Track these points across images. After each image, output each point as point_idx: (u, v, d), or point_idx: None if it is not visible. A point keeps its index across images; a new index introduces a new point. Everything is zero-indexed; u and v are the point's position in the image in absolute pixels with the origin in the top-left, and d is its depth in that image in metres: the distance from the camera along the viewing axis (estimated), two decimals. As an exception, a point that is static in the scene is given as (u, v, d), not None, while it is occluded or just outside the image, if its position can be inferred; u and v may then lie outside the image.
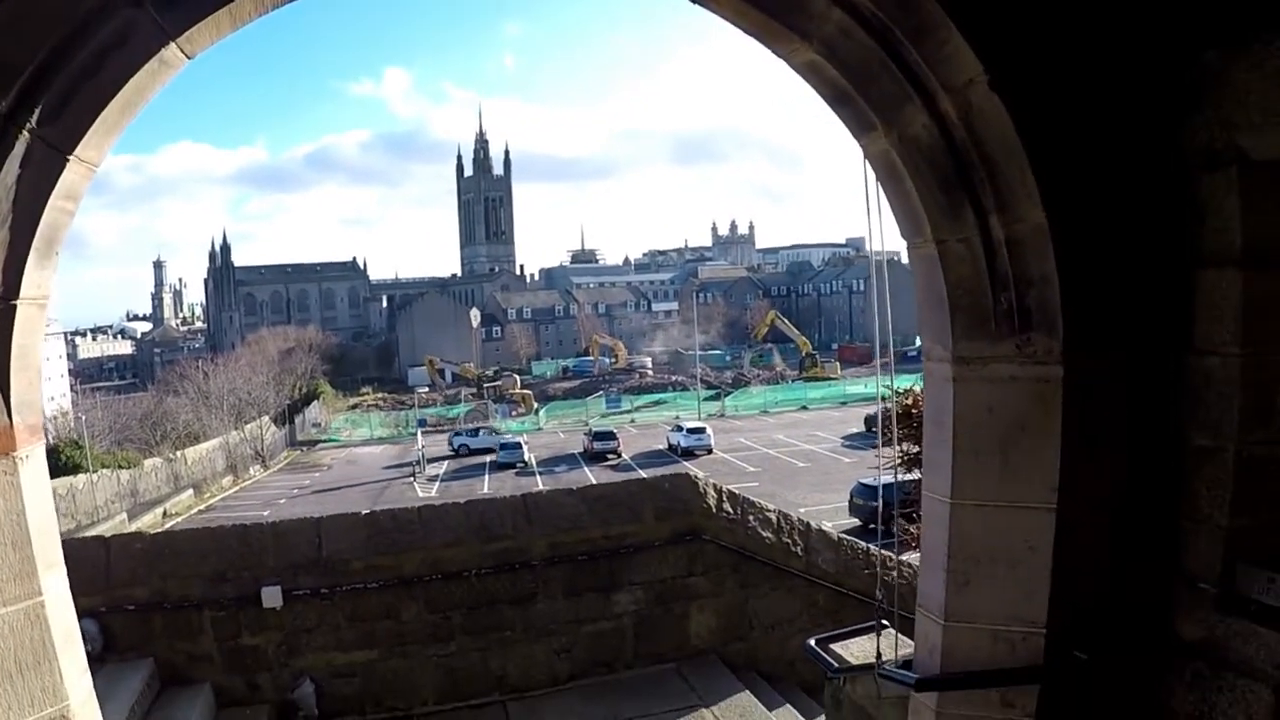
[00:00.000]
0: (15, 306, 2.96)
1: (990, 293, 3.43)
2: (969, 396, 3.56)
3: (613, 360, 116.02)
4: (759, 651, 9.50)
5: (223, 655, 8.25)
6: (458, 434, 68.09)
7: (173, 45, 3.01)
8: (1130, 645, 3.61)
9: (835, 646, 6.00)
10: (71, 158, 2.98)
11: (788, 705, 8.56)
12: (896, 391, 14.03)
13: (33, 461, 3.10)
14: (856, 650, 5.74)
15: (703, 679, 8.88)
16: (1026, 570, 3.52)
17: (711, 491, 9.58)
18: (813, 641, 5.95)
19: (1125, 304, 3.39)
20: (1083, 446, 3.43)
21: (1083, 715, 3.61)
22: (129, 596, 7.99)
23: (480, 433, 67.93)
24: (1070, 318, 3.31)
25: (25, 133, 2.80)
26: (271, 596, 8.17)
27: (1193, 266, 3.37)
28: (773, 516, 9.74)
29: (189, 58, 3.12)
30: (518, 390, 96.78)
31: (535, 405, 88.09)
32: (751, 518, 9.61)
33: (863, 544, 10.09)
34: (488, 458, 59.50)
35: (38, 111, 2.81)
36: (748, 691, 8.55)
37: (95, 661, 3.52)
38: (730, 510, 9.54)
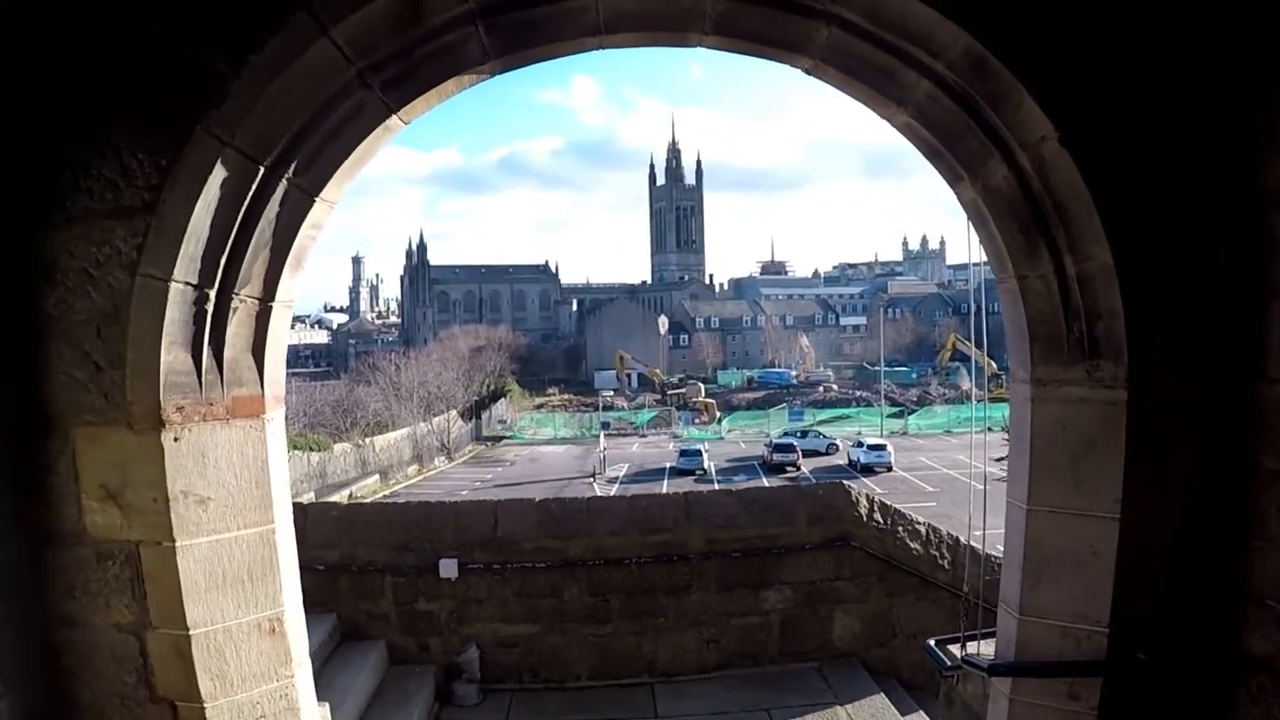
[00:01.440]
0: (271, 308, 3.89)
1: (1064, 323, 3.80)
2: (1045, 414, 3.93)
3: (796, 373, 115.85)
4: (900, 659, 9.74)
5: (399, 617, 9.15)
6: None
7: (394, 116, 3.88)
8: (1194, 653, 3.82)
9: (954, 648, 6.33)
10: (317, 199, 3.88)
11: (920, 713, 8.79)
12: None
13: (274, 423, 4.01)
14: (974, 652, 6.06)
15: (841, 679, 9.22)
16: (1092, 573, 3.83)
17: (864, 501, 9.90)
18: (932, 641, 6.29)
19: (1193, 335, 3.67)
20: (1147, 464, 3.72)
21: (1144, 713, 3.89)
22: (320, 558, 8.89)
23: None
24: (1135, 347, 3.64)
25: (284, 181, 3.69)
26: (448, 568, 9.01)
27: (1266, 300, 3.58)
28: (922, 529, 9.98)
29: (405, 124, 3.98)
30: (701, 398, 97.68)
31: (719, 414, 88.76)
32: (900, 528, 9.88)
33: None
34: (667, 463, 60.33)
35: (293, 165, 3.69)
36: (883, 695, 8.85)
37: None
38: (880, 520, 9.84)
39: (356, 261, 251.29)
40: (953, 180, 4.12)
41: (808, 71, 4.03)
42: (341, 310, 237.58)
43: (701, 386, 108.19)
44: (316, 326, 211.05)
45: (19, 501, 3.59)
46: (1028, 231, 3.82)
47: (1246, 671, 3.72)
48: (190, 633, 3.67)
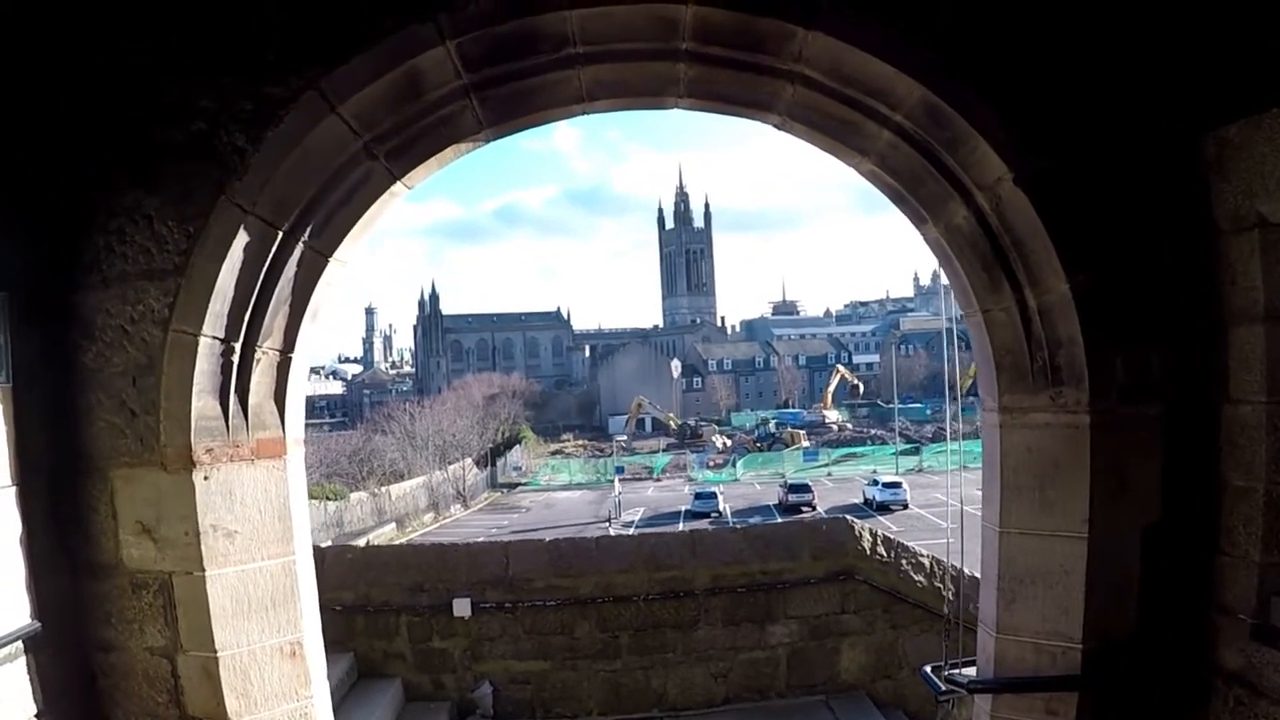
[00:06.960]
0: (291, 359, 4.23)
1: (1028, 352, 4.06)
2: (1012, 440, 4.16)
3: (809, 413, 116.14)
4: (907, 690, 9.84)
5: (414, 655, 9.40)
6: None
7: (398, 183, 4.24)
8: (1168, 666, 4.02)
9: (949, 673, 6.49)
10: (330, 259, 4.22)
11: (927, 741, 8.99)
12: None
13: (294, 464, 4.32)
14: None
15: (848, 711, 9.39)
16: (1063, 590, 4.03)
17: (866, 535, 10.09)
18: (928, 668, 6.46)
19: (1153, 360, 3.91)
20: (1112, 484, 3.94)
21: (1122, 727, 4.08)
22: (337, 599, 9.13)
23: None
24: (1095, 373, 3.87)
25: (300, 244, 4.04)
26: (461, 607, 9.26)
27: (1227, 323, 3.83)
28: (926, 562, 10.15)
29: (409, 189, 4.35)
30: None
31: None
32: (904, 561, 10.05)
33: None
34: (682, 507, 59.98)
35: (309, 229, 4.04)
36: (889, 726, 9.06)
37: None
38: (884, 554, 10.02)
39: (369, 313, 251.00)
40: (917, 222, 4.40)
41: (777, 126, 4.35)
42: (355, 361, 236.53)
43: (716, 428, 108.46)
44: (331, 378, 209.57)
45: (61, 537, 3.89)
46: (989, 267, 4.09)
47: (1223, 684, 3.89)
48: (218, 655, 3.93)
